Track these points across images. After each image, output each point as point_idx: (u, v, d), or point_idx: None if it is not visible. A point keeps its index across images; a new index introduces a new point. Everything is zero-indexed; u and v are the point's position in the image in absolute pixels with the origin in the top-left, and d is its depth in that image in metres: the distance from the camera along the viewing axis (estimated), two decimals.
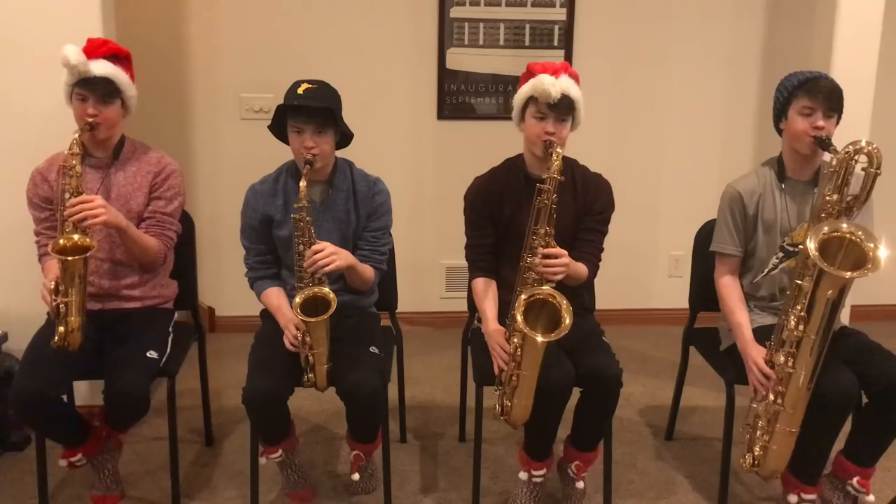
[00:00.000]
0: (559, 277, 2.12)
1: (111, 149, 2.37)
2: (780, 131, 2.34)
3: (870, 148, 2.04)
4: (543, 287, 2.11)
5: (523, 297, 2.09)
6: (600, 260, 2.37)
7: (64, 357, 2.15)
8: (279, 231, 2.34)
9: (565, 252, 2.13)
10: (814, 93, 2.19)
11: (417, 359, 3.52)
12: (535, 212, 2.14)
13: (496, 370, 2.21)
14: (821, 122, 2.19)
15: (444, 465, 2.71)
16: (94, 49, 2.24)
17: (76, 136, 2.21)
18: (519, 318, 2.05)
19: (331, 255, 2.16)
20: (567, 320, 2.03)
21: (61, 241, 2.13)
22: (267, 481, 2.51)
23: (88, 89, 2.23)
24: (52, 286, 2.12)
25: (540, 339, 2.02)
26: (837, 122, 2.24)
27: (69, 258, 2.08)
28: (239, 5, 3.63)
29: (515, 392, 2.14)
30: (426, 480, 2.60)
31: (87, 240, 2.14)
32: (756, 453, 2.17)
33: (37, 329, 2.31)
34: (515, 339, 2.11)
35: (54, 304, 2.12)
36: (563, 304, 2.06)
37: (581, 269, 2.26)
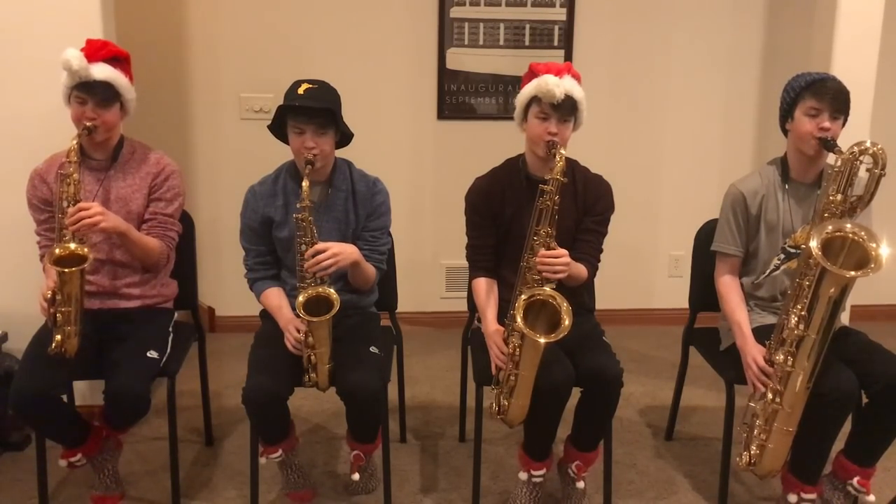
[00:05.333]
0: (560, 277, 2.12)
1: (110, 151, 2.37)
2: (785, 132, 2.34)
3: (875, 149, 2.03)
4: (544, 288, 2.11)
5: (523, 297, 2.09)
6: (599, 261, 2.37)
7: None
8: (279, 232, 2.34)
9: (566, 252, 2.13)
10: (821, 94, 2.19)
11: (417, 359, 3.52)
12: (536, 212, 2.14)
13: (493, 370, 2.21)
14: (827, 124, 2.19)
15: (444, 465, 2.71)
16: (93, 52, 2.24)
17: (74, 142, 2.20)
18: (518, 318, 2.05)
19: (333, 256, 2.16)
20: (566, 322, 2.02)
21: (57, 251, 2.12)
22: (267, 481, 2.51)
23: (88, 93, 2.23)
24: (49, 296, 2.12)
25: (539, 340, 2.01)
26: (844, 124, 2.24)
27: (66, 270, 2.08)
28: (239, 5, 3.63)
29: (513, 392, 2.14)
30: (426, 480, 2.60)
31: (84, 249, 2.14)
32: (753, 452, 2.17)
33: (37, 329, 2.30)
34: (514, 340, 2.11)
35: (52, 312, 2.12)
36: (563, 305, 2.06)
37: (581, 269, 2.26)
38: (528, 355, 2.07)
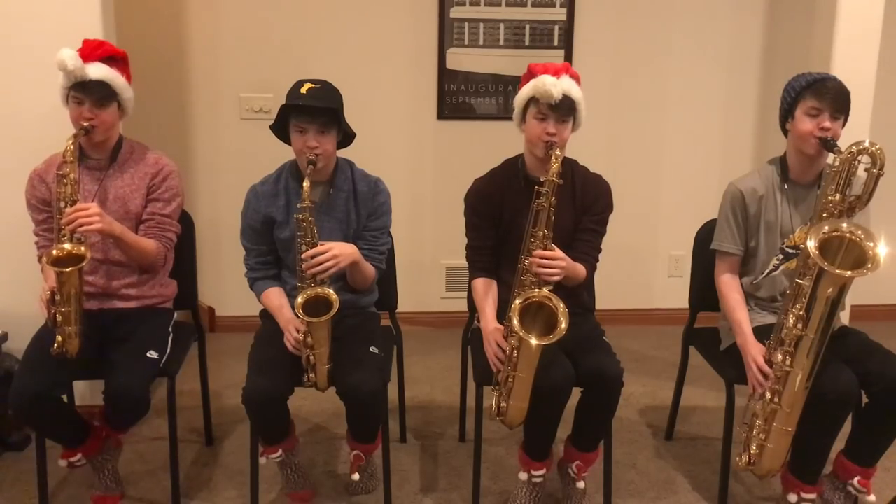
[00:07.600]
0: (556, 279, 2.12)
1: (108, 151, 2.37)
2: (785, 132, 2.34)
3: (873, 149, 2.03)
4: (540, 290, 2.11)
5: (518, 300, 2.08)
6: (598, 260, 2.36)
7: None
8: (280, 233, 2.34)
9: (562, 253, 2.13)
10: (821, 94, 2.19)
11: (417, 359, 3.52)
12: (533, 214, 2.14)
13: (493, 367, 2.21)
14: (827, 124, 2.19)
15: (444, 465, 2.71)
16: (90, 51, 2.23)
17: (70, 142, 2.20)
18: (515, 320, 2.04)
19: (333, 257, 2.16)
20: (563, 324, 2.02)
21: (55, 252, 2.12)
22: (267, 481, 2.51)
23: (85, 93, 2.23)
24: (49, 296, 2.12)
25: (534, 342, 2.01)
26: (844, 124, 2.24)
27: (64, 270, 2.08)
28: (239, 6, 3.63)
29: (511, 393, 2.14)
30: (426, 480, 2.60)
31: (81, 249, 2.14)
32: (752, 452, 2.17)
33: (37, 329, 2.30)
34: (512, 341, 2.11)
35: (52, 313, 2.12)
36: (560, 307, 2.06)
37: (579, 269, 2.26)
38: (525, 357, 2.07)
